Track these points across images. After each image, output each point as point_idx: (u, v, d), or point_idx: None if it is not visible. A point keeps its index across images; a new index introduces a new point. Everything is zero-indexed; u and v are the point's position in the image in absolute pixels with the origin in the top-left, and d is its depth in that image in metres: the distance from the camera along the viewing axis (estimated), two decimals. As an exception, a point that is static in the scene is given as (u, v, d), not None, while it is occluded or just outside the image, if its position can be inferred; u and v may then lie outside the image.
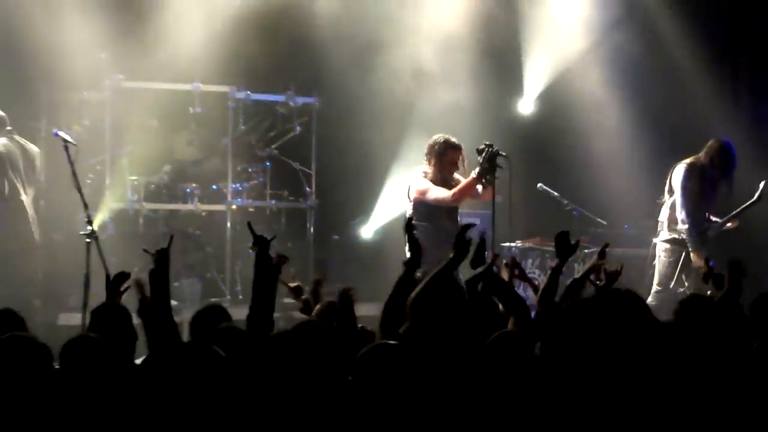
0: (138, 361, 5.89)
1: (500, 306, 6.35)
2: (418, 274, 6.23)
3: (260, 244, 6.93)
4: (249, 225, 7.25)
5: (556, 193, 13.35)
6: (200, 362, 4.57)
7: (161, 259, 6.70)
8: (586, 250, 12.87)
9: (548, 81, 14.96)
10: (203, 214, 13.63)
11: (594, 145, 14.30)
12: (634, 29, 14.53)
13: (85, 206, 9.80)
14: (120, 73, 13.32)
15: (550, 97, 14.98)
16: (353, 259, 13.63)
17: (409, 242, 6.59)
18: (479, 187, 10.78)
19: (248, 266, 13.48)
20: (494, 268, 6.43)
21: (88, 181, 12.11)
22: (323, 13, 14.09)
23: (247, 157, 14.13)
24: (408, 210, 11.00)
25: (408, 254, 6.49)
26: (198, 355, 4.62)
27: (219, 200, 13.70)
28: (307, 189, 14.20)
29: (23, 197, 10.91)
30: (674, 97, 13.96)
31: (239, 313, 6.87)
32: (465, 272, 6.52)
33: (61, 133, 10.30)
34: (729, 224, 11.50)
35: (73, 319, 10.03)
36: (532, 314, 6.35)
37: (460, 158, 11.13)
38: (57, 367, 4.91)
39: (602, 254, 7.54)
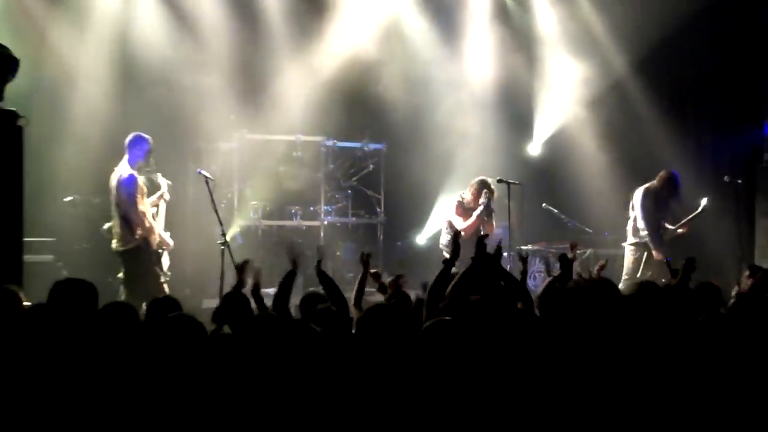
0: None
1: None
2: (454, 270, 6.15)
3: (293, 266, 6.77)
4: (290, 245, 7.33)
5: (556, 210, 13.45)
6: (300, 335, 4.54)
7: (295, 266, 6.73)
8: (578, 251, 12.91)
9: (552, 130, 14.98)
10: (304, 227, 13.69)
11: (583, 176, 14.30)
12: (613, 94, 14.51)
13: (220, 223, 9.91)
14: (244, 128, 13.47)
15: (552, 141, 14.98)
16: (411, 259, 13.68)
17: (452, 247, 6.48)
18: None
19: (336, 264, 13.66)
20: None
21: (222, 206, 12.21)
22: (389, 81, 14.20)
23: (335, 187, 14.19)
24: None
25: (447, 256, 6.39)
26: (299, 329, 4.64)
27: (315, 218, 13.78)
28: (378, 209, 14.28)
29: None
30: (639, 139, 13.94)
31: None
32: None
33: (203, 172, 10.34)
34: (680, 230, 11.57)
35: (213, 304, 10.14)
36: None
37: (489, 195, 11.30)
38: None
39: (572, 247, 7.51)
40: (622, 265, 11.65)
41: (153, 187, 10.36)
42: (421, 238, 14.34)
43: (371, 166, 14.33)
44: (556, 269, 7.06)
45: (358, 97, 14.24)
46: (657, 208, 11.45)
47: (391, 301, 6.54)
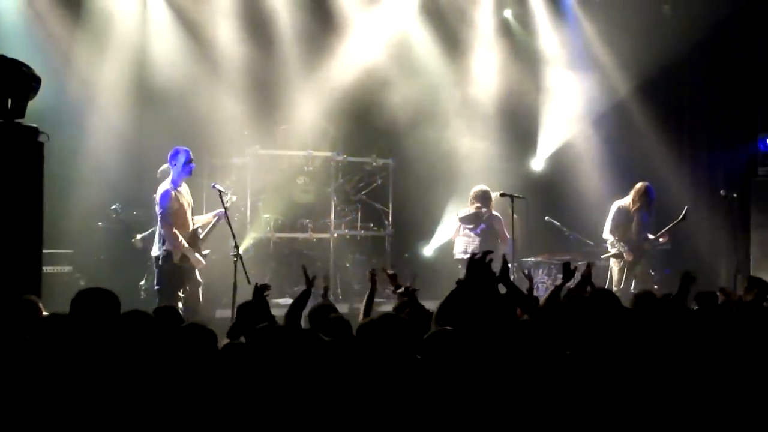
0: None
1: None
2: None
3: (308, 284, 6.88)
4: (303, 267, 7.28)
5: (558, 223, 13.45)
6: (308, 344, 4.62)
7: (310, 285, 6.77)
8: (579, 263, 12.93)
9: (555, 146, 15.03)
10: (314, 240, 13.72)
11: (584, 190, 14.36)
12: (614, 112, 14.58)
13: (234, 236, 9.90)
14: (257, 144, 13.53)
15: (555, 157, 15.03)
16: (417, 270, 13.69)
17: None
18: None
19: (345, 276, 13.69)
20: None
21: (236, 218, 12.26)
22: (397, 99, 14.25)
23: (344, 200, 14.22)
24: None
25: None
26: (307, 339, 4.63)
27: (325, 230, 13.77)
28: (386, 222, 14.28)
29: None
30: (638, 155, 14.01)
31: (340, 309, 6.89)
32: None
33: (218, 186, 10.37)
34: (661, 239, 11.67)
35: (226, 314, 10.18)
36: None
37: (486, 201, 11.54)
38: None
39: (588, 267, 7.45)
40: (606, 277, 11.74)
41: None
42: (428, 250, 14.34)
43: (380, 180, 14.35)
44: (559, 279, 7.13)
45: (367, 113, 14.29)
46: (629, 221, 11.59)
47: (405, 311, 6.52)
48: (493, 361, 4.67)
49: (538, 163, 15.20)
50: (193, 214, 10.49)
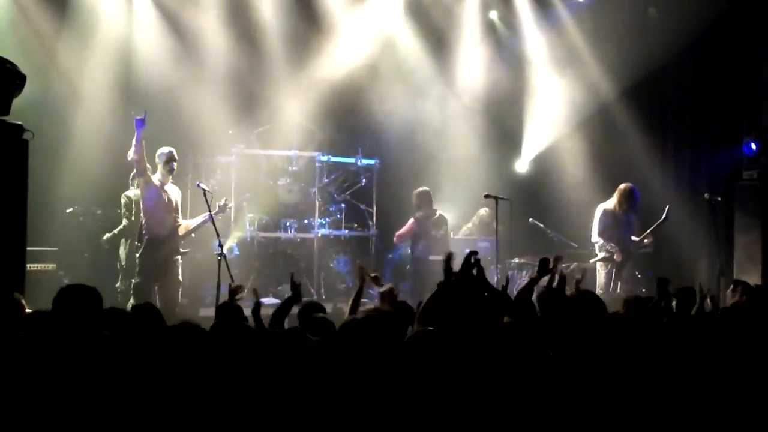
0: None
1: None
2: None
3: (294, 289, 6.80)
4: (291, 275, 7.20)
5: (542, 225, 13.49)
6: (296, 345, 4.59)
7: (297, 291, 6.75)
8: (563, 265, 12.99)
9: (540, 148, 15.07)
10: (298, 240, 13.71)
11: (568, 192, 14.38)
12: (599, 115, 14.62)
13: (218, 235, 9.89)
14: (242, 143, 13.53)
15: (540, 159, 15.07)
16: (400, 271, 13.72)
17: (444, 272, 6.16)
18: None
19: (329, 276, 13.69)
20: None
21: (220, 218, 12.22)
22: (382, 99, 14.29)
23: (329, 200, 14.20)
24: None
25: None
26: (295, 340, 4.62)
27: (309, 230, 13.75)
28: (370, 222, 14.25)
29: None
30: (622, 158, 14.03)
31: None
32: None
33: (202, 185, 10.38)
34: (646, 240, 11.71)
35: (209, 313, 10.16)
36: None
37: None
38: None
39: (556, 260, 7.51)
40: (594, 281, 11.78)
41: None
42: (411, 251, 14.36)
43: (364, 180, 14.33)
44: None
45: (352, 113, 14.35)
46: (616, 223, 11.59)
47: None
48: (476, 362, 4.67)
49: (522, 165, 15.25)
50: (176, 214, 10.48)
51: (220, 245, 9.86)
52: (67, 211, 12.20)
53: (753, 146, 13.03)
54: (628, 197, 11.58)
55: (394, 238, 13.19)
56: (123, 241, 11.85)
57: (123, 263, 11.77)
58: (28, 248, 8.07)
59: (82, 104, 12.56)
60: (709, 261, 13.37)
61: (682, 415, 4.53)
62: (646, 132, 14.45)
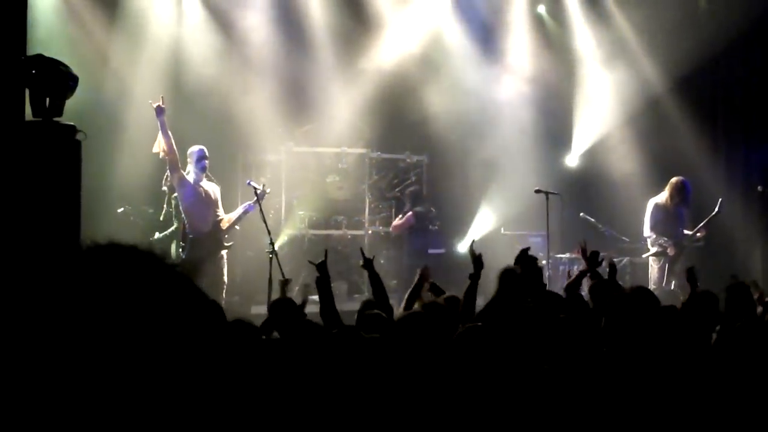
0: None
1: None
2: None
3: (368, 266, 7.17)
4: (361, 249, 7.27)
5: (593, 219, 13.36)
6: (348, 342, 4.57)
7: (321, 269, 6.73)
8: (614, 259, 12.91)
9: (590, 143, 14.96)
10: (349, 236, 13.75)
11: (619, 186, 14.26)
12: (649, 108, 14.46)
13: (269, 232, 9.95)
14: (291, 141, 13.58)
15: (590, 153, 14.97)
16: (452, 266, 13.66)
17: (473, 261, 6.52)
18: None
19: (380, 272, 13.64)
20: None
21: (271, 215, 12.30)
22: (431, 95, 14.26)
23: (378, 197, 14.25)
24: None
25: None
26: (347, 337, 4.61)
27: (359, 227, 13.84)
28: (420, 218, 14.30)
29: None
30: (673, 151, 13.85)
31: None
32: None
33: (252, 183, 10.47)
34: (699, 234, 11.57)
35: (261, 310, 10.19)
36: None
37: None
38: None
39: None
40: (647, 275, 11.67)
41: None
42: (463, 246, 14.30)
43: (413, 177, 14.34)
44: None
45: (401, 110, 14.30)
46: (668, 217, 11.46)
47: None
48: (528, 359, 4.64)
49: (572, 160, 15.13)
50: (216, 211, 10.51)
51: (272, 242, 9.90)
52: (119, 210, 12.28)
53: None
54: (680, 191, 11.45)
55: (390, 229, 13.32)
56: (176, 242, 11.92)
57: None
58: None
59: (134, 104, 12.65)
60: (763, 254, 13.20)
61: (732, 415, 4.46)
62: (696, 125, 14.30)
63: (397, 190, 14.32)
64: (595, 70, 14.84)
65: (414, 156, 14.32)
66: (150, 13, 12.94)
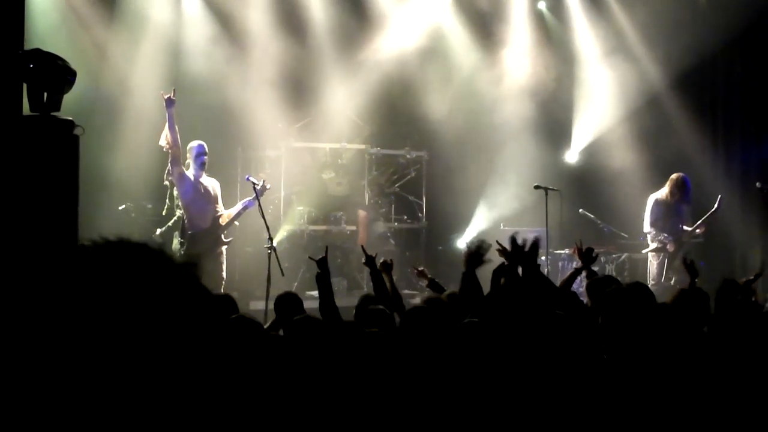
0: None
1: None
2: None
3: (370, 263, 7.16)
4: (362, 248, 7.44)
5: (592, 216, 13.38)
6: (348, 335, 4.55)
7: (322, 265, 6.71)
8: (613, 255, 12.95)
9: (589, 139, 14.95)
10: (348, 232, 13.71)
11: (619, 182, 14.24)
12: (648, 104, 14.44)
13: (267, 228, 9.90)
14: (291, 137, 13.56)
15: (590, 149, 14.95)
16: (451, 263, 13.66)
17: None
18: None
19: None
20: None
21: (270, 211, 12.29)
22: (431, 91, 14.26)
23: (378, 192, 14.24)
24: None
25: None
26: (348, 331, 4.60)
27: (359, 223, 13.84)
28: (419, 214, 14.30)
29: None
30: (672, 148, 13.87)
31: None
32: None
33: (251, 178, 10.44)
34: (698, 230, 11.56)
35: (260, 306, 10.18)
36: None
37: None
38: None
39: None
40: (646, 271, 11.67)
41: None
42: (462, 242, 14.32)
43: (413, 172, 14.36)
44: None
45: (400, 105, 14.31)
46: (668, 213, 11.45)
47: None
48: (524, 354, 4.64)
49: (572, 156, 15.12)
50: (215, 207, 10.50)
51: (270, 238, 9.88)
52: (120, 207, 12.27)
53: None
54: (680, 187, 11.45)
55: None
56: (176, 233, 11.91)
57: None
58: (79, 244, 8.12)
59: (133, 99, 12.64)
60: (762, 250, 13.20)
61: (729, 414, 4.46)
62: (696, 122, 14.30)
63: (396, 185, 14.30)
64: (595, 66, 14.82)
65: (414, 152, 14.31)
66: (148, 7, 12.91)
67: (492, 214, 14.17)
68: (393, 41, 14.14)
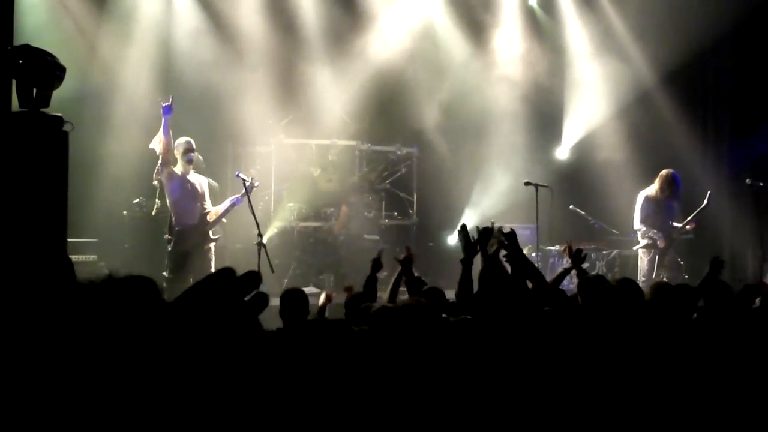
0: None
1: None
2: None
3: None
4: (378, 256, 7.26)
5: (583, 212, 13.40)
6: (335, 335, 4.54)
7: (376, 266, 6.81)
8: (603, 251, 12.99)
9: (580, 135, 14.98)
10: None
11: (609, 179, 14.28)
12: (638, 101, 14.47)
13: (257, 224, 9.90)
14: (281, 133, 13.55)
15: (580, 146, 14.99)
16: (442, 259, 13.67)
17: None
18: None
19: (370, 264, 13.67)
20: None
21: (260, 207, 12.29)
22: (422, 88, 14.28)
23: (369, 189, 14.23)
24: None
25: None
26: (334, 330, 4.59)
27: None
28: (410, 211, 14.30)
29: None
30: (663, 144, 13.91)
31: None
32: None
33: (242, 175, 10.43)
34: (688, 227, 11.56)
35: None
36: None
37: None
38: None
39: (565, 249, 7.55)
40: (636, 268, 11.70)
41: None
42: (453, 239, 14.32)
43: (404, 169, 14.36)
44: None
45: (391, 102, 14.30)
46: (658, 209, 11.48)
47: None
48: (517, 352, 4.64)
49: (562, 152, 15.15)
50: (203, 204, 10.50)
51: (260, 235, 9.89)
52: (134, 201, 12.31)
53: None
54: (670, 183, 11.47)
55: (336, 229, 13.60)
56: (165, 230, 11.91)
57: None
58: (69, 239, 8.13)
59: (122, 95, 12.63)
60: (752, 247, 13.24)
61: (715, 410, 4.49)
62: (686, 118, 14.34)
63: (387, 182, 14.31)
64: (586, 62, 14.86)
65: (404, 148, 14.31)
66: (139, 4, 12.91)
67: (483, 210, 14.18)
68: (384, 37, 14.15)
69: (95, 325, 1.67)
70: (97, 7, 12.59)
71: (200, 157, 10.81)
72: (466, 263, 6.18)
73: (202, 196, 10.50)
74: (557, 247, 13.04)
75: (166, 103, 9.83)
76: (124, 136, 12.41)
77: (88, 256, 11.40)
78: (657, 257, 11.39)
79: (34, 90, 7.45)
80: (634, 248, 11.83)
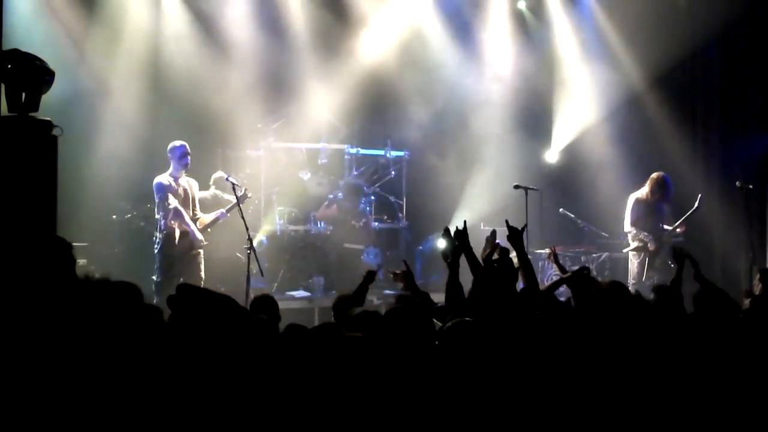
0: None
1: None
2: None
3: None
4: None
5: (572, 215, 13.44)
6: (329, 338, 4.56)
7: (369, 278, 6.80)
8: (593, 254, 13.01)
9: (569, 138, 14.99)
10: (328, 232, 13.69)
11: (599, 182, 14.30)
12: (628, 104, 14.51)
13: (247, 228, 9.94)
14: (271, 137, 13.54)
15: (570, 149, 15.00)
16: (431, 262, 13.69)
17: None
18: None
19: (359, 268, 13.66)
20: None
21: (249, 211, 12.27)
22: (411, 91, 14.30)
23: (358, 193, 14.24)
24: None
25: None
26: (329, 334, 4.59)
27: (339, 223, 13.84)
28: (400, 214, 14.30)
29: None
30: (653, 147, 13.95)
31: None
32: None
33: (231, 178, 10.50)
34: (678, 230, 11.61)
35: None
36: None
37: None
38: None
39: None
40: (626, 270, 11.73)
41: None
42: (441, 242, 14.30)
43: (393, 172, 14.36)
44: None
45: (381, 105, 14.33)
46: (649, 212, 11.52)
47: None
48: (515, 353, 4.66)
49: (552, 156, 15.15)
50: (194, 210, 10.53)
51: (250, 238, 9.90)
52: (126, 216, 12.30)
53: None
54: (660, 186, 11.51)
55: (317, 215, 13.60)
56: (155, 234, 11.91)
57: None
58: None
59: (112, 99, 12.62)
60: (744, 250, 13.27)
61: (706, 408, 4.51)
62: (676, 120, 14.35)
63: (376, 185, 14.31)
64: (575, 66, 14.88)
65: (394, 152, 14.32)
66: (127, 7, 12.89)
67: (472, 214, 14.13)
68: (374, 41, 14.18)
69: (87, 325, 1.69)
70: (85, 11, 12.56)
71: None
72: (453, 266, 6.20)
73: (193, 201, 10.54)
74: (547, 251, 13.04)
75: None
76: (114, 139, 12.39)
77: (78, 260, 11.36)
78: (647, 260, 11.43)
79: (23, 94, 7.46)
80: (624, 251, 11.88)
